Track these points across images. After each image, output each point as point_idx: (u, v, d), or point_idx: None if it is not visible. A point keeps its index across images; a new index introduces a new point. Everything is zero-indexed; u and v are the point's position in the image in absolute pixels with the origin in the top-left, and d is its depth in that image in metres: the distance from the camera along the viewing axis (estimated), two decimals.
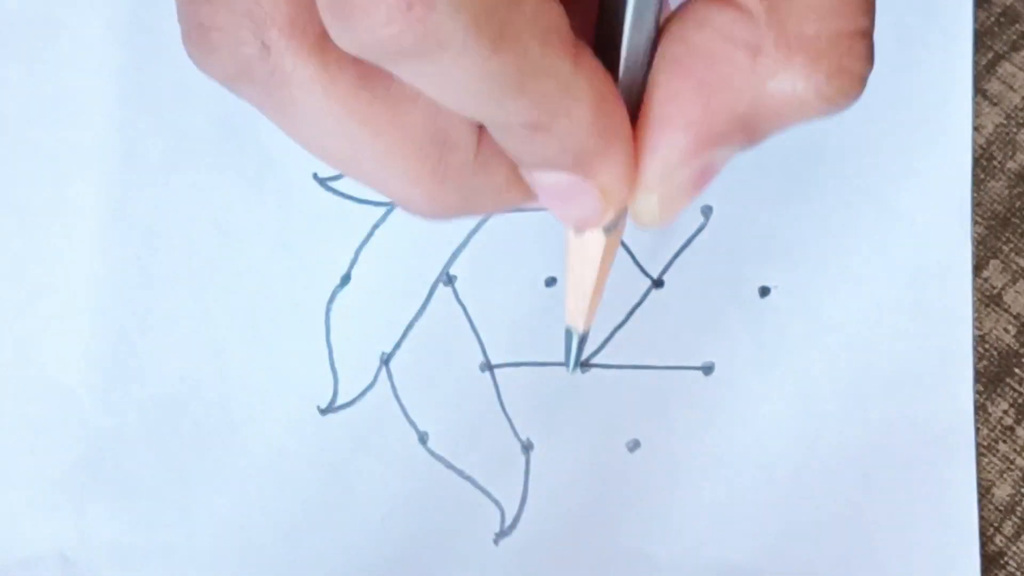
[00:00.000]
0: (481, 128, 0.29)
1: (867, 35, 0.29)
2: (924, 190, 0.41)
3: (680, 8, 0.30)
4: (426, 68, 0.25)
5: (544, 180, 0.29)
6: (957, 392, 0.40)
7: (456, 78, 0.25)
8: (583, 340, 0.35)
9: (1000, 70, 0.42)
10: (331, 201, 0.41)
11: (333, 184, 0.41)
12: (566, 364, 0.36)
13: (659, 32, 0.30)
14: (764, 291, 0.41)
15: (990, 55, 0.42)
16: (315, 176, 0.41)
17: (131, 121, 0.41)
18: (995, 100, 0.42)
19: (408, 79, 0.26)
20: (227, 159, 0.41)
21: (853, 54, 0.29)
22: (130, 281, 0.41)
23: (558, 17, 0.27)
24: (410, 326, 0.41)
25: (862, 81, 0.29)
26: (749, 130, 0.29)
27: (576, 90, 0.27)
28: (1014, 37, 0.42)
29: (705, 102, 0.29)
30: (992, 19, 0.42)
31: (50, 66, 0.42)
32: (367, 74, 0.27)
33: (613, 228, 0.32)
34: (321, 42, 0.27)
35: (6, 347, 0.41)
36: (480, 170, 0.29)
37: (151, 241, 0.41)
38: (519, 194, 0.31)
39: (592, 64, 0.28)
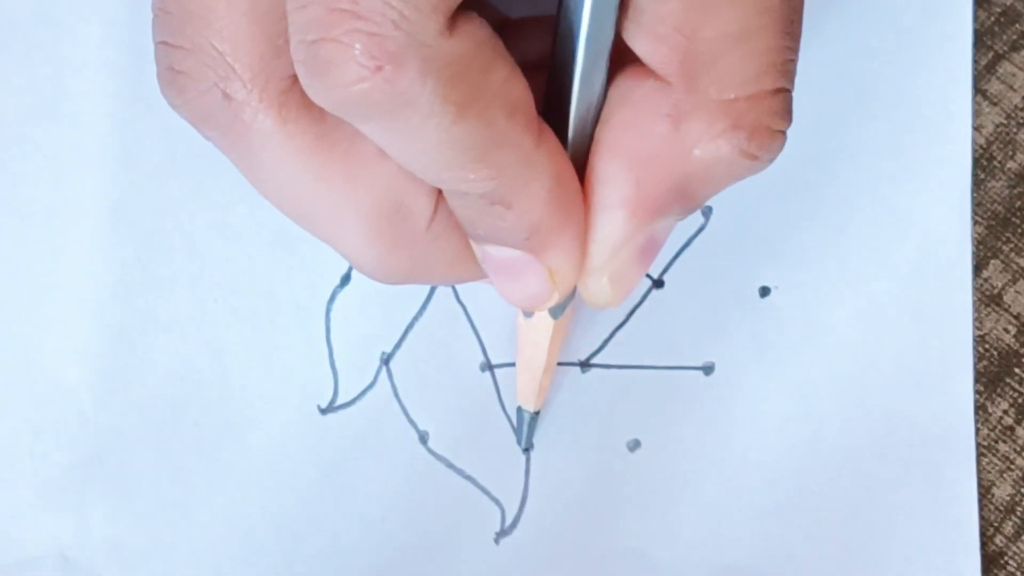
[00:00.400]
0: (438, 200, 0.29)
1: (784, 92, 0.29)
2: (924, 190, 0.41)
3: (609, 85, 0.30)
4: (393, 127, 0.26)
5: (495, 255, 0.29)
6: (957, 392, 0.40)
7: (421, 140, 0.26)
8: (534, 419, 0.36)
9: (1000, 70, 0.42)
10: None
11: None
12: (518, 441, 0.37)
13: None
14: (764, 291, 0.41)
15: (990, 55, 0.42)
16: None
17: (131, 122, 0.41)
18: (995, 100, 0.42)
19: (375, 138, 0.27)
20: (226, 159, 0.41)
21: (771, 112, 0.29)
22: (130, 281, 0.41)
23: (524, 92, 0.27)
24: (410, 326, 0.41)
25: (782, 136, 0.29)
26: (684, 198, 0.29)
27: (537, 165, 0.27)
28: (1014, 37, 0.42)
29: (636, 178, 0.29)
30: (992, 19, 0.42)
31: (50, 67, 0.42)
32: (327, 133, 0.28)
33: (561, 312, 0.32)
34: (283, 96, 0.27)
35: (6, 348, 0.41)
36: (433, 241, 0.30)
37: (151, 241, 0.41)
38: (469, 270, 0.31)
39: (552, 142, 0.28)
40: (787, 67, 0.29)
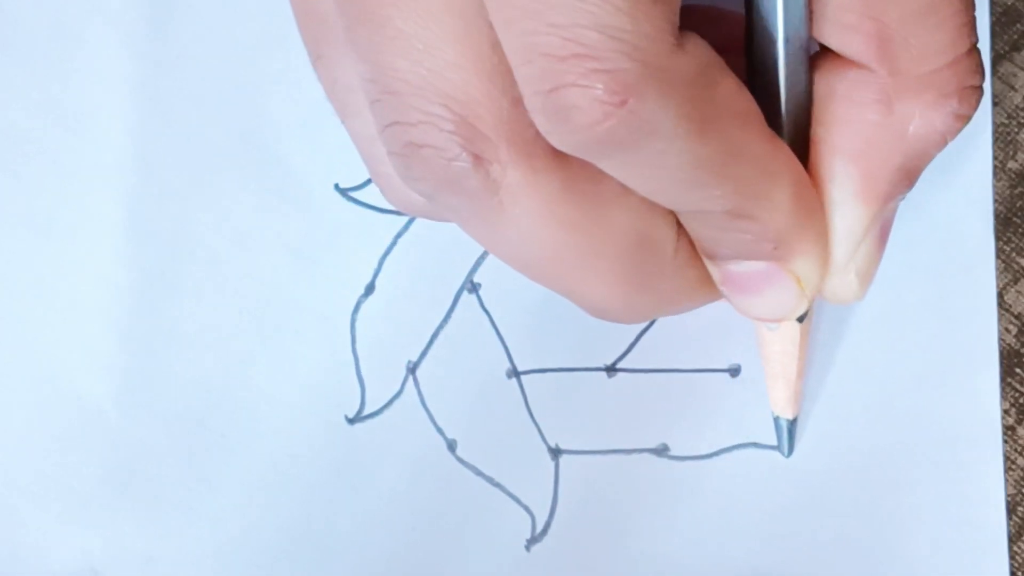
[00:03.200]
0: (679, 228, 0.29)
1: (975, 48, 0.29)
2: (946, 187, 0.41)
3: None
4: (639, 158, 0.25)
5: (736, 271, 0.29)
6: (983, 390, 0.40)
7: (665, 165, 0.26)
8: (793, 425, 0.36)
9: (1001, 70, 0.42)
10: (353, 211, 0.41)
11: (355, 194, 0.41)
12: (780, 450, 0.37)
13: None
14: None
15: (991, 55, 0.42)
16: (336, 187, 0.41)
17: (151, 135, 0.41)
18: (996, 100, 0.42)
19: (619, 172, 0.26)
20: (248, 171, 0.42)
21: (970, 71, 0.29)
22: (154, 294, 0.41)
23: (750, 102, 0.27)
24: (435, 334, 0.41)
25: (981, 91, 0.30)
26: (908, 175, 0.30)
27: (776, 173, 0.27)
28: (1015, 37, 0.42)
29: (862, 168, 0.29)
30: (992, 19, 0.42)
31: (68, 79, 0.42)
32: (574, 178, 0.28)
33: (805, 315, 0.32)
34: (529, 147, 0.27)
35: (32, 364, 0.41)
36: (677, 271, 0.30)
37: (174, 253, 0.41)
38: (710, 294, 0.31)
39: (784, 148, 0.28)
40: (972, 24, 0.30)
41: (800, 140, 0.30)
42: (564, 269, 0.29)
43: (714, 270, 0.31)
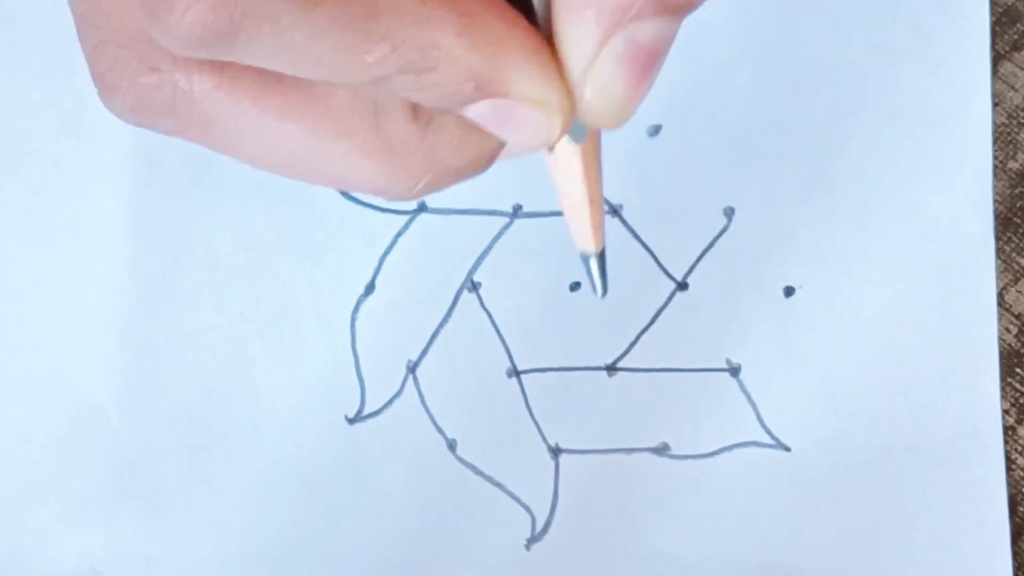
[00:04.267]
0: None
1: None
2: (946, 187, 0.41)
3: None
4: (261, 47, 0.24)
5: (475, 113, 0.27)
6: (984, 387, 0.40)
7: (298, 46, 0.24)
8: (602, 258, 0.33)
9: (1001, 70, 0.42)
10: (353, 211, 0.41)
11: (355, 194, 0.41)
12: (594, 290, 0.34)
13: None
14: (789, 291, 0.41)
15: (991, 55, 0.42)
16: None
17: (152, 136, 0.41)
18: (997, 100, 0.42)
19: (267, 64, 0.25)
20: (248, 171, 0.41)
21: None
22: (155, 295, 0.41)
23: None
24: (435, 333, 0.41)
25: None
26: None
27: (430, 17, 0.26)
28: (1015, 37, 0.42)
29: None
30: (993, 19, 0.42)
31: (70, 83, 0.42)
32: (271, 73, 0.27)
33: (582, 135, 0.29)
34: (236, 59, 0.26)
35: (33, 364, 0.41)
36: (426, 127, 0.28)
37: (175, 255, 0.41)
38: (479, 146, 0.29)
39: None
40: None
41: None
42: (307, 160, 0.27)
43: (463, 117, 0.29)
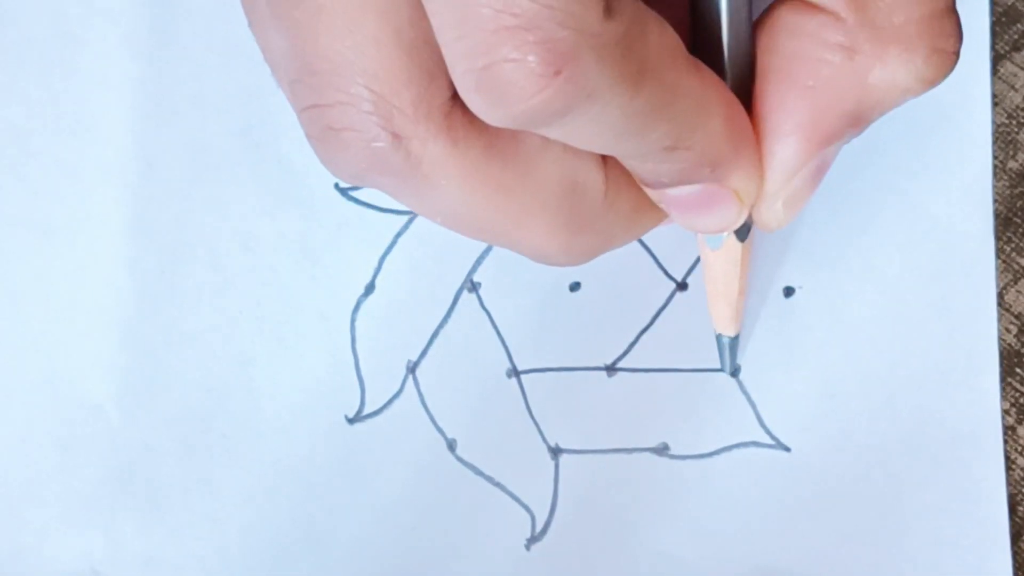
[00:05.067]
0: (606, 168, 0.29)
1: (952, 11, 0.29)
2: (946, 187, 0.41)
3: (765, 18, 0.30)
4: (575, 122, 0.25)
5: (678, 195, 0.29)
6: (984, 388, 0.40)
7: (603, 122, 0.26)
8: (735, 342, 0.38)
9: (1001, 70, 0.42)
10: (353, 211, 0.41)
11: (355, 194, 0.41)
12: (723, 368, 0.39)
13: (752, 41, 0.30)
14: (788, 291, 0.41)
15: (991, 55, 0.42)
16: (336, 186, 0.42)
17: (151, 135, 0.42)
18: (996, 100, 0.42)
19: (553, 134, 0.26)
20: (248, 171, 0.42)
21: (943, 33, 0.29)
22: (154, 295, 0.41)
23: (675, 38, 0.27)
24: (435, 334, 0.41)
25: (955, 56, 0.30)
26: (856, 123, 0.30)
27: (708, 104, 0.28)
28: (1015, 37, 0.42)
29: (812, 107, 0.29)
30: (993, 19, 0.42)
31: (70, 81, 0.42)
32: (494, 141, 0.28)
33: (747, 234, 0.33)
34: (447, 120, 0.27)
35: (33, 364, 0.41)
36: (610, 208, 0.30)
37: (174, 254, 0.41)
38: (649, 220, 0.31)
39: (710, 75, 0.28)
40: None
41: (742, 71, 0.31)
42: (498, 227, 0.29)
43: (654, 195, 0.31)
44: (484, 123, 0.26)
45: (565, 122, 0.25)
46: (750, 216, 0.32)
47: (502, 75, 0.24)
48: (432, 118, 0.27)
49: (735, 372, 0.41)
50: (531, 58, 0.24)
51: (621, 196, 0.30)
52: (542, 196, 0.28)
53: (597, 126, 0.26)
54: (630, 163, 0.29)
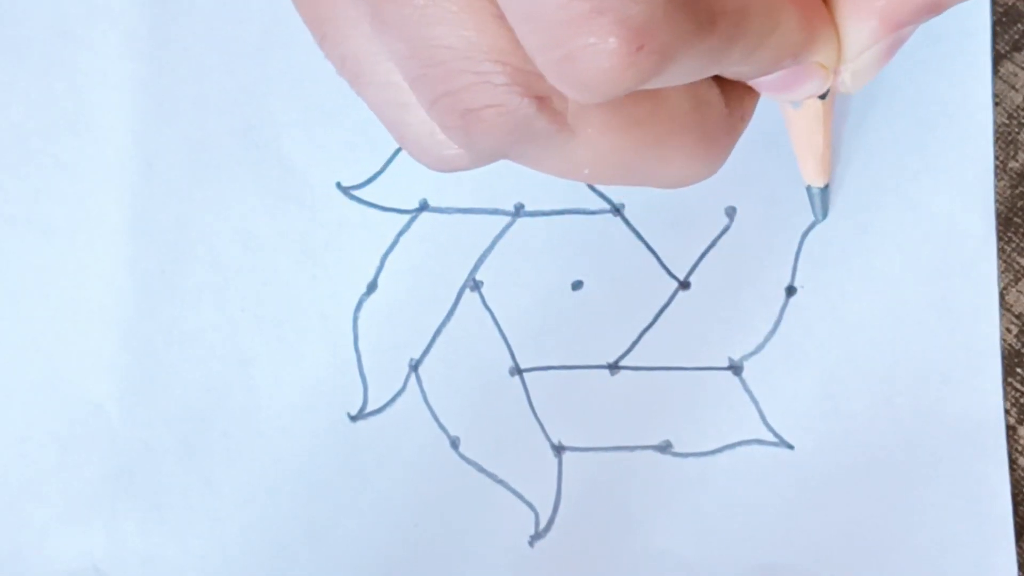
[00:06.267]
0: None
1: None
2: (947, 186, 0.41)
3: None
4: (662, 78, 0.26)
5: (766, 80, 0.30)
6: (986, 387, 0.40)
7: (687, 66, 0.26)
8: (825, 192, 0.40)
9: (1002, 70, 0.42)
10: (355, 209, 0.41)
11: (357, 192, 0.41)
12: (815, 217, 0.40)
13: None
14: (791, 290, 0.41)
15: (992, 55, 0.42)
16: (338, 185, 0.42)
17: (152, 135, 0.42)
18: (997, 100, 0.42)
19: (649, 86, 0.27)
20: (249, 170, 0.42)
21: None
22: (155, 294, 0.41)
23: None
24: (438, 332, 0.41)
25: None
26: (934, 7, 0.30)
27: (777, 9, 0.28)
28: (1016, 37, 0.42)
29: None
30: (994, 19, 0.42)
31: (70, 81, 0.42)
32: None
33: (827, 93, 0.34)
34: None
35: (34, 364, 0.41)
36: (730, 114, 0.30)
37: (175, 253, 0.41)
38: (751, 103, 0.31)
39: None
40: None
41: None
42: (643, 162, 0.29)
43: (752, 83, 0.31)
44: None
45: (652, 83, 0.26)
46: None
47: (585, 61, 0.24)
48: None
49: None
50: (611, 40, 0.24)
51: (732, 95, 0.30)
52: (678, 121, 0.28)
53: (682, 71, 0.26)
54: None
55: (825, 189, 0.40)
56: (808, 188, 0.40)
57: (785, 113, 0.37)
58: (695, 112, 0.29)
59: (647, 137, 0.28)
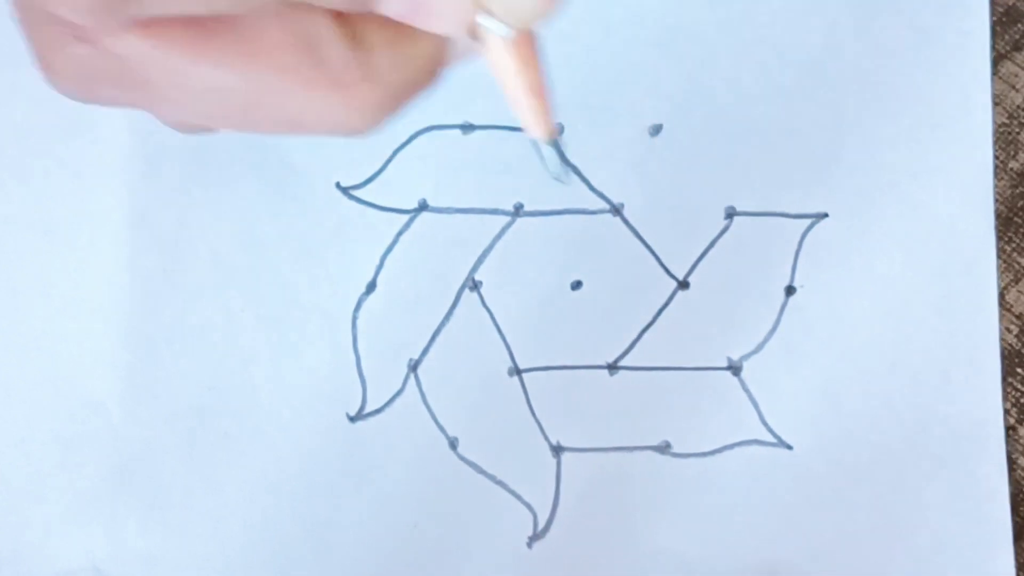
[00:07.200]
0: (332, 18, 0.28)
1: None
2: (947, 186, 0.41)
3: None
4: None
5: (392, 9, 0.28)
6: (986, 387, 0.40)
7: None
8: (554, 144, 0.34)
9: (1002, 70, 0.42)
10: (354, 209, 0.41)
11: (357, 193, 0.41)
12: (548, 173, 0.34)
13: None
14: (790, 290, 0.41)
15: (992, 55, 0.42)
16: (338, 185, 0.42)
17: (153, 134, 0.42)
18: (997, 100, 0.42)
19: (165, 10, 0.26)
20: (249, 170, 0.42)
21: None
22: (156, 293, 0.41)
23: None
24: (437, 332, 0.41)
25: None
26: None
27: None
28: (1016, 37, 0.42)
29: None
30: (994, 19, 0.42)
31: None
32: (196, 22, 0.26)
33: (509, 32, 0.30)
34: (140, 21, 0.26)
35: (36, 363, 0.41)
36: (364, 52, 0.28)
37: (176, 253, 0.41)
38: (418, 55, 0.29)
39: None
40: None
41: None
42: (255, 106, 0.28)
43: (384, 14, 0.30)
44: (183, 19, 0.26)
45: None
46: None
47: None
48: (116, 16, 0.26)
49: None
50: None
51: (372, 38, 0.28)
52: (275, 55, 0.27)
53: None
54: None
55: (555, 143, 0.34)
56: (533, 143, 0.34)
57: (489, 66, 0.33)
58: (307, 53, 0.27)
59: (237, 76, 0.27)
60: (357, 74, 0.28)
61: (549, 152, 0.34)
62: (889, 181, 0.41)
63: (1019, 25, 0.42)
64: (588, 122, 0.41)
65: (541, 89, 0.32)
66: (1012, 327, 0.41)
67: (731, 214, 0.41)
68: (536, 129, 0.34)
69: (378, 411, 0.41)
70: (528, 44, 0.32)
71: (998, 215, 0.41)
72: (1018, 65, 0.42)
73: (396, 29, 0.29)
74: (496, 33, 0.30)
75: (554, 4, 0.29)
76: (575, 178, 0.39)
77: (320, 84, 0.28)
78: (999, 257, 0.41)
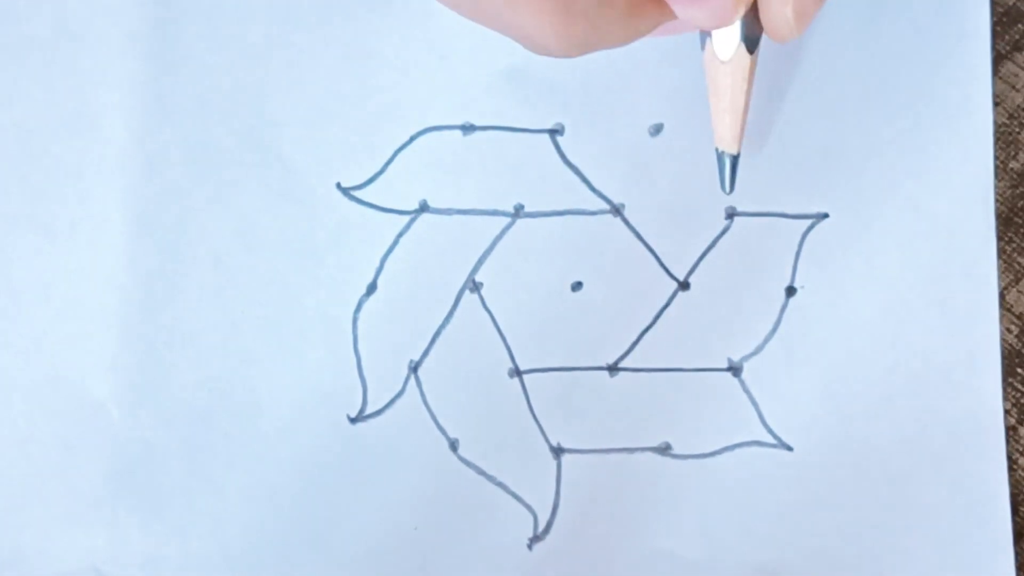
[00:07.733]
0: None
1: None
2: (947, 186, 0.41)
3: None
4: None
5: None
6: (986, 387, 0.40)
7: None
8: (736, 161, 0.37)
9: (1003, 70, 0.42)
10: (355, 210, 0.41)
11: (357, 193, 0.41)
12: (722, 186, 0.38)
13: None
14: (790, 291, 0.41)
15: (992, 55, 0.42)
16: (338, 186, 0.42)
17: (153, 134, 0.42)
18: (998, 100, 0.42)
19: None
20: (250, 170, 0.42)
21: None
22: (156, 294, 0.41)
23: None
24: (437, 333, 0.41)
25: None
26: None
27: None
28: (1016, 37, 0.42)
29: None
30: (994, 19, 0.42)
31: (72, 81, 0.42)
32: None
33: (756, 46, 0.33)
34: None
35: (36, 363, 0.41)
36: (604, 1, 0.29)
37: (176, 254, 0.41)
38: (645, 20, 0.31)
39: None
40: None
41: None
42: (491, 5, 0.29)
43: None
44: None
45: None
46: (759, 26, 0.32)
47: None
48: None
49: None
50: None
51: None
52: None
53: None
54: None
55: (737, 158, 0.38)
56: (720, 154, 0.38)
57: (709, 68, 0.37)
58: None
59: None
60: (586, 12, 0.30)
61: (733, 165, 0.38)
62: (890, 181, 0.41)
63: (1019, 25, 0.42)
64: (588, 122, 0.41)
65: (746, 108, 0.36)
66: (1012, 327, 0.41)
67: (732, 214, 0.41)
68: (734, 144, 0.37)
69: (379, 412, 0.41)
70: (753, 65, 0.34)
71: (998, 215, 0.41)
72: (1018, 65, 0.42)
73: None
74: (748, 51, 0.34)
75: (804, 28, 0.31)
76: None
77: (551, 7, 0.29)
78: (999, 257, 0.41)
